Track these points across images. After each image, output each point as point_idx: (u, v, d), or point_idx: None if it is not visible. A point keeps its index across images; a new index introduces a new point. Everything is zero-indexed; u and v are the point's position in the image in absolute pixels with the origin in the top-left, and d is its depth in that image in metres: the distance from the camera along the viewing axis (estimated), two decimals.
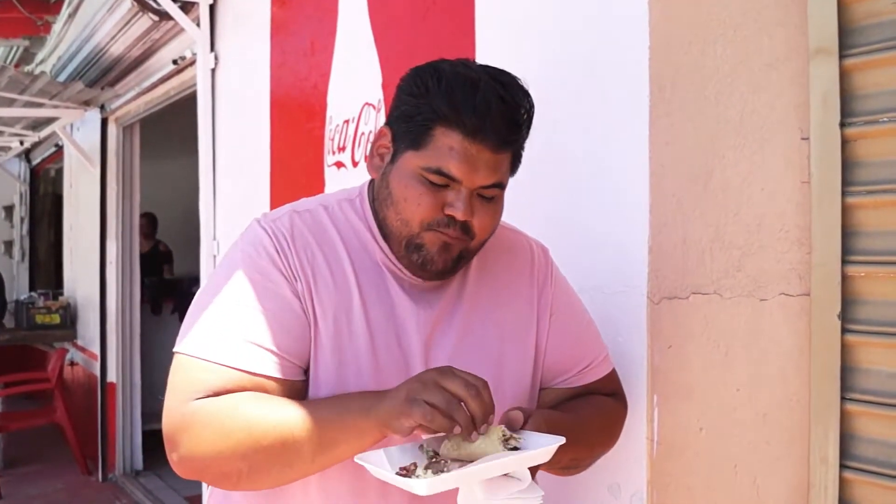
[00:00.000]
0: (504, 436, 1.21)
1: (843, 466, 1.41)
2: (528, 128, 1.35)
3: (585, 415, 1.46)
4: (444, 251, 1.32)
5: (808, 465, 1.45)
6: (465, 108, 1.25)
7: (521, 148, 1.38)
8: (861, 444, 1.39)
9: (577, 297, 1.59)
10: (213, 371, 1.26)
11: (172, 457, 1.28)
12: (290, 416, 1.23)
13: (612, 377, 1.60)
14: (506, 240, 1.53)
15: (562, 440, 1.20)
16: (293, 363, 1.30)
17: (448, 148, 1.27)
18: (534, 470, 1.25)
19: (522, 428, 1.25)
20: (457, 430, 1.14)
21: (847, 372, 1.41)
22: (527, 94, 1.33)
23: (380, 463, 1.19)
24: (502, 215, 1.39)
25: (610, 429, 1.56)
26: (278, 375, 1.28)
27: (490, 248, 1.44)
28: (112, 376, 6.44)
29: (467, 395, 1.15)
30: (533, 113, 1.35)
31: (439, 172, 1.28)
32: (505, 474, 1.20)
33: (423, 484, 1.12)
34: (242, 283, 1.32)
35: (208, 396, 1.25)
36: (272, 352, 1.28)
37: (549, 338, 1.50)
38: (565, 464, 1.39)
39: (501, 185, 1.34)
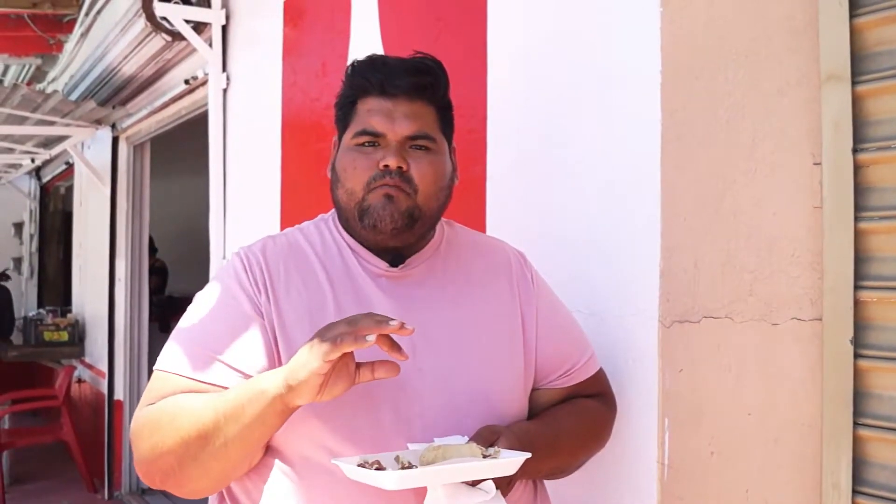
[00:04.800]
0: (482, 453, 1.24)
1: (855, 492, 1.40)
2: (437, 79, 1.45)
3: (566, 424, 1.48)
4: (389, 203, 1.37)
5: (821, 490, 1.45)
6: (369, 73, 1.42)
7: (444, 102, 1.47)
8: (874, 470, 1.39)
9: (559, 300, 1.61)
10: (165, 380, 1.34)
11: (135, 464, 1.37)
12: (204, 404, 1.27)
13: (600, 377, 1.61)
14: (482, 244, 1.59)
15: (527, 455, 1.25)
16: (241, 372, 1.33)
17: (367, 111, 1.41)
18: (505, 485, 1.28)
19: (493, 444, 1.29)
20: (369, 338, 1.16)
21: (860, 397, 1.41)
22: (429, 57, 1.46)
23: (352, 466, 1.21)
24: (447, 176, 1.45)
25: (595, 433, 1.57)
26: (220, 383, 1.32)
27: (467, 250, 1.53)
28: (119, 394, 6.45)
29: (357, 320, 1.17)
30: (440, 69, 1.46)
31: (364, 132, 1.40)
32: (472, 484, 1.23)
33: (393, 477, 1.15)
34: (207, 303, 1.41)
35: None
36: (220, 360, 1.33)
37: (537, 338, 1.51)
38: (547, 472, 1.46)
39: (429, 136, 1.41)
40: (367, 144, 1.40)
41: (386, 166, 1.37)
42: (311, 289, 1.40)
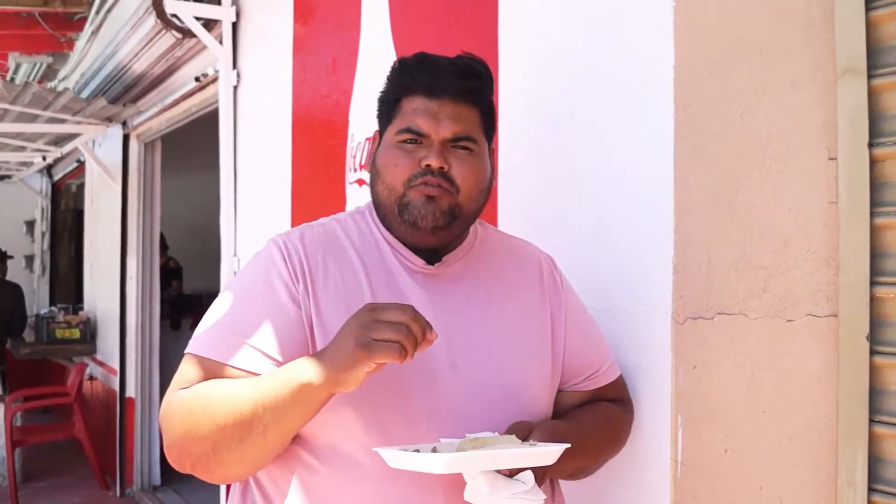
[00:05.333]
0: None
1: (871, 490, 1.39)
2: (484, 83, 1.47)
3: (590, 425, 1.50)
4: (430, 203, 1.38)
5: (836, 488, 1.43)
6: (417, 73, 1.43)
7: (488, 105, 1.48)
8: (890, 468, 1.38)
9: (584, 305, 1.63)
10: (197, 364, 1.35)
11: (164, 448, 1.36)
12: (241, 392, 1.27)
13: (620, 383, 1.65)
14: (514, 246, 1.61)
15: (567, 445, 1.26)
16: (273, 359, 1.33)
17: (412, 110, 1.42)
18: (540, 477, 1.28)
19: (527, 439, 1.30)
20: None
21: (875, 394, 1.40)
22: (477, 59, 1.47)
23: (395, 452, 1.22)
24: (488, 177, 1.46)
25: (615, 436, 1.60)
26: (252, 370, 1.32)
27: (499, 251, 1.55)
28: (131, 391, 6.46)
29: (407, 318, 1.18)
30: (487, 72, 1.47)
31: (408, 131, 1.41)
32: (510, 476, 1.24)
33: (441, 460, 1.16)
34: (242, 289, 1.42)
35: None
36: (253, 346, 1.33)
37: (565, 341, 1.53)
38: (571, 471, 1.47)
39: (471, 138, 1.42)
40: (409, 142, 1.41)
41: (428, 165, 1.38)
42: (349, 280, 1.41)
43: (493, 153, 1.51)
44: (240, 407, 1.25)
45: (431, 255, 1.45)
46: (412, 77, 1.43)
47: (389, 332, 1.16)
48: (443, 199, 1.38)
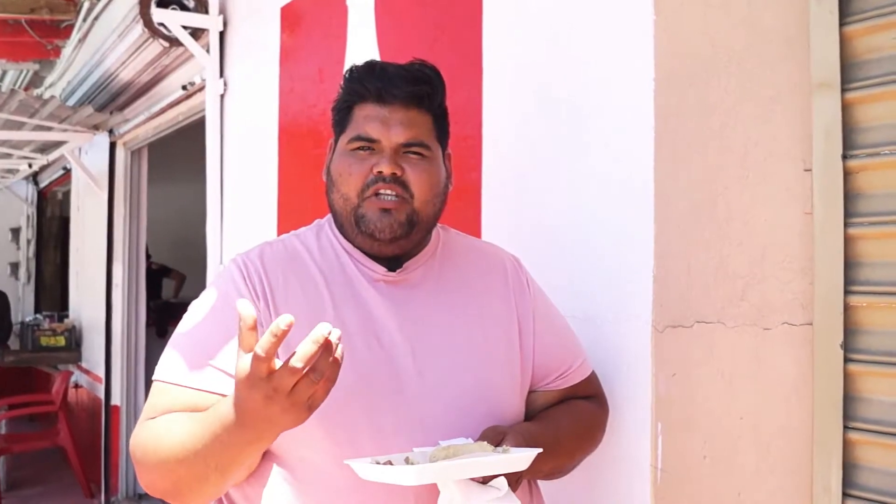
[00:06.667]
0: (493, 451, 1.26)
1: (845, 495, 1.42)
2: (435, 89, 1.46)
3: (565, 424, 1.50)
4: (386, 216, 1.39)
5: (811, 493, 1.46)
6: (367, 80, 1.42)
7: (440, 110, 1.48)
8: (863, 474, 1.41)
9: (552, 304, 1.63)
10: (163, 392, 1.35)
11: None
12: (190, 435, 1.24)
13: (593, 379, 1.64)
14: (478, 248, 1.62)
15: (539, 450, 1.25)
16: None
17: (363, 117, 1.42)
18: (514, 482, 1.28)
19: (500, 444, 1.29)
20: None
21: (849, 401, 1.43)
22: (427, 65, 1.47)
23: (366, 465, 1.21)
24: (443, 183, 1.46)
25: (590, 434, 1.60)
26: (218, 391, 1.30)
27: (462, 254, 1.55)
28: (116, 399, 6.44)
29: (309, 357, 1.07)
30: (438, 77, 1.46)
31: (359, 138, 1.41)
32: (483, 482, 1.24)
33: (412, 472, 1.15)
34: (204, 311, 1.40)
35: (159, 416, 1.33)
36: (216, 367, 1.32)
37: (534, 341, 1.52)
38: (547, 472, 1.47)
39: (423, 144, 1.42)
40: (361, 150, 1.41)
41: (380, 172, 1.38)
42: (310, 295, 1.41)
43: (448, 158, 1.51)
44: (190, 451, 1.24)
45: (392, 262, 1.45)
46: (362, 84, 1.43)
47: (309, 386, 1.09)
48: (399, 211, 1.39)
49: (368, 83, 1.42)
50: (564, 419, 1.51)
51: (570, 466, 1.56)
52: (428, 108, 1.45)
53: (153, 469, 1.30)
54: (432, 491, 1.26)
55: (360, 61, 1.50)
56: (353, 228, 1.42)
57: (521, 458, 1.24)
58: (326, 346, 1.07)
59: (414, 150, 1.41)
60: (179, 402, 1.32)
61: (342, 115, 1.47)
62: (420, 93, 1.43)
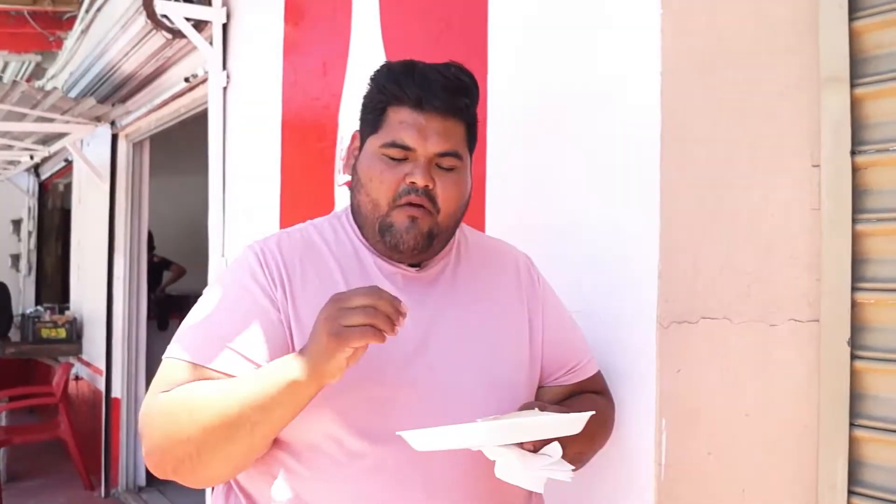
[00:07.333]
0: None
1: (851, 493, 1.41)
2: (472, 99, 1.45)
3: (586, 409, 1.49)
4: (412, 227, 1.38)
5: (817, 490, 1.45)
6: (406, 84, 1.39)
7: (473, 120, 1.47)
8: (869, 471, 1.40)
9: (561, 302, 1.64)
10: (177, 368, 1.34)
11: (144, 454, 1.35)
12: (226, 392, 1.27)
13: (599, 377, 1.66)
14: (490, 247, 1.62)
15: (592, 413, 1.28)
16: (252, 362, 1.33)
17: (399, 122, 1.39)
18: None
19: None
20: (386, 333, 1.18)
21: (856, 398, 1.42)
22: (465, 71, 1.44)
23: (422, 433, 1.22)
24: (468, 193, 1.46)
25: (605, 425, 1.61)
26: (233, 373, 1.32)
27: (477, 252, 1.56)
28: (117, 391, 6.44)
29: (372, 299, 1.18)
30: (475, 86, 1.45)
31: (394, 145, 1.38)
32: (535, 450, 1.26)
33: (483, 427, 1.18)
34: (220, 294, 1.41)
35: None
36: (234, 350, 1.33)
37: (543, 337, 1.53)
38: (570, 457, 1.44)
39: (457, 155, 1.41)
40: (394, 157, 1.39)
41: (413, 183, 1.37)
42: (326, 284, 1.41)
43: (471, 164, 1.51)
44: (226, 407, 1.25)
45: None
46: (400, 87, 1.40)
47: (357, 317, 1.17)
48: (423, 221, 1.38)
49: (408, 88, 1.39)
50: (585, 405, 1.51)
51: (589, 455, 1.55)
52: (464, 117, 1.44)
53: (173, 436, 1.29)
54: (440, 478, 1.29)
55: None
56: (376, 234, 1.42)
57: (577, 418, 1.26)
58: (397, 310, 1.16)
59: (447, 162, 1.40)
60: (194, 380, 1.32)
61: (375, 115, 1.43)
62: (460, 104, 1.42)
